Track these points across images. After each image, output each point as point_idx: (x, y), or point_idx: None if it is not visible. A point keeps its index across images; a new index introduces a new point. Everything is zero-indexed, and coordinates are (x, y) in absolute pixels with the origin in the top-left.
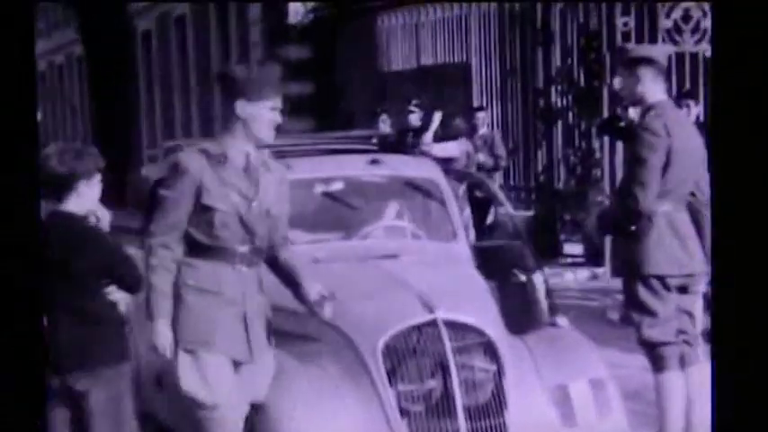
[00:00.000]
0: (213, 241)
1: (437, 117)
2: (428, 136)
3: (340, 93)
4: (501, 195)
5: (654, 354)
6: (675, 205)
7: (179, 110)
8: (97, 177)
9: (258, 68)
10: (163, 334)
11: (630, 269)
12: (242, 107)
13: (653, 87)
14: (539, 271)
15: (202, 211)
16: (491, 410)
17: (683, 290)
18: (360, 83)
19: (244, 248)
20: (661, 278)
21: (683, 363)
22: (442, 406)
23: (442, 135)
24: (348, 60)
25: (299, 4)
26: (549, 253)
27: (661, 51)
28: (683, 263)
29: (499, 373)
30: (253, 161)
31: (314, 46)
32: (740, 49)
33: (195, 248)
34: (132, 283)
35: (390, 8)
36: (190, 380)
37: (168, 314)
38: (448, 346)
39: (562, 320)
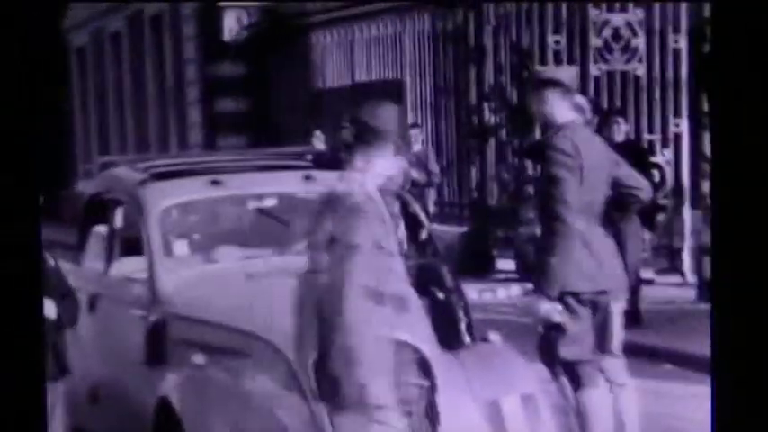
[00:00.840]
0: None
1: None
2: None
3: (274, 109)
4: (421, 217)
5: (572, 372)
6: (588, 222)
7: (114, 125)
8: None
9: (397, 112)
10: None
11: (545, 286)
12: (387, 149)
13: (561, 108)
14: (457, 289)
15: (380, 256)
16: (423, 426)
17: (598, 306)
18: (294, 100)
19: None
20: (575, 295)
21: (608, 382)
22: None
23: None
24: (282, 77)
25: (233, 21)
26: (483, 269)
27: (566, 73)
28: (597, 279)
29: (432, 389)
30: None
31: (248, 63)
32: (740, 49)
33: None
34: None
35: (325, 26)
36: None
37: None
38: None
39: (494, 336)
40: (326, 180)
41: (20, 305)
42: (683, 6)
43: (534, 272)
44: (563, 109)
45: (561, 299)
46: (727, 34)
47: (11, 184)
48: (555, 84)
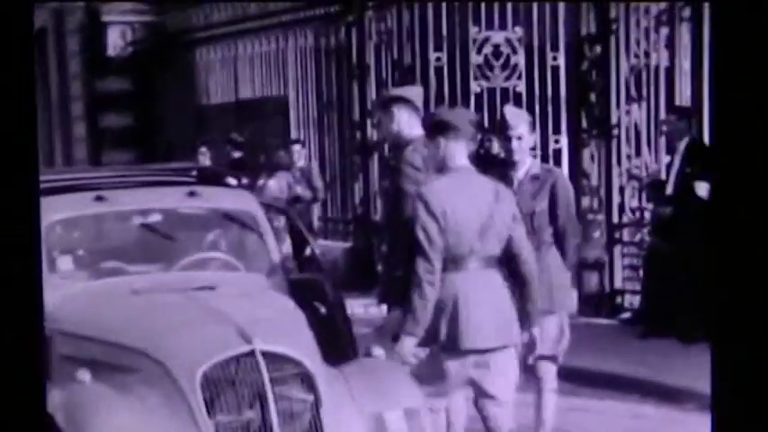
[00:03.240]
0: None
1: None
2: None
3: (159, 125)
4: (305, 233)
5: None
6: None
7: None
8: None
9: None
10: None
11: (394, 299)
12: None
13: (409, 124)
14: (339, 304)
15: None
16: None
17: None
18: (179, 115)
19: None
20: None
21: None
22: None
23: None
24: (167, 93)
25: (117, 37)
26: (367, 284)
27: (414, 92)
28: None
29: (316, 404)
30: None
31: (133, 78)
32: (741, 51)
33: None
34: None
35: (209, 42)
36: None
37: None
38: (266, 376)
39: (378, 351)
40: (210, 195)
41: (19, 305)
42: (561, 24)
43: (384, 285)
44: (412, 125)
45: None
46: (729, 34)
47: (11, 185)
48: (402, 101)
